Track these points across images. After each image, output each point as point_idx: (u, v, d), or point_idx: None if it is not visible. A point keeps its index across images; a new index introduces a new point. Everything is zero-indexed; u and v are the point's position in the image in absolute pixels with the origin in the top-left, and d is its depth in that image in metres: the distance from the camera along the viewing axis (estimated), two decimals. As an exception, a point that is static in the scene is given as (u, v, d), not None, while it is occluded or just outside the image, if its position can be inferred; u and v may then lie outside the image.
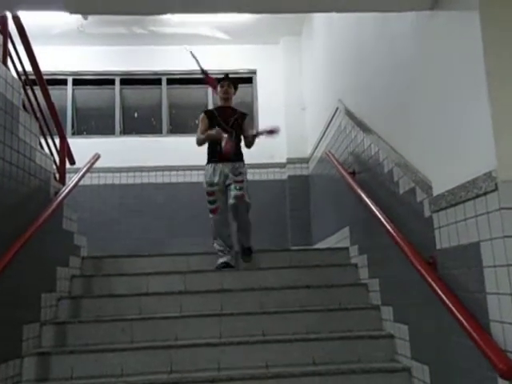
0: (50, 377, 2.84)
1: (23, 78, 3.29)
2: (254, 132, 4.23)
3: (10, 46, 3.12)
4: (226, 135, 3.94)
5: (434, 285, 1.97)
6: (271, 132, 4.09)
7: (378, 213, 2.81)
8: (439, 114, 2.15)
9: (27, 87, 3.42)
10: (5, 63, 2.88)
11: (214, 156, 4.06)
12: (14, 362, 2.73)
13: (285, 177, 6.51)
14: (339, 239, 4.44)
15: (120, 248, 5.60)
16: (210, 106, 6.82)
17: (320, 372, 2.73)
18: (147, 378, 2.72)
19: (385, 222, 2.66)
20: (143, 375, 2.79)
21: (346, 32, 4.22)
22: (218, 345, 2.98)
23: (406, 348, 2.75)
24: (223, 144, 3.91)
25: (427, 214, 2.33)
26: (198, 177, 6.37)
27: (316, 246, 5.50)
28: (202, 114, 4.24)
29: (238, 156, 4.11)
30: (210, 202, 4.05)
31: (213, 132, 3.96)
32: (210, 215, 4.06)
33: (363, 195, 3.12)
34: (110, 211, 6.22)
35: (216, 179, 4.01)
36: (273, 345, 2.99)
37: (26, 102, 3.34)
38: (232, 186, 3.95)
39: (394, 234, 2.46)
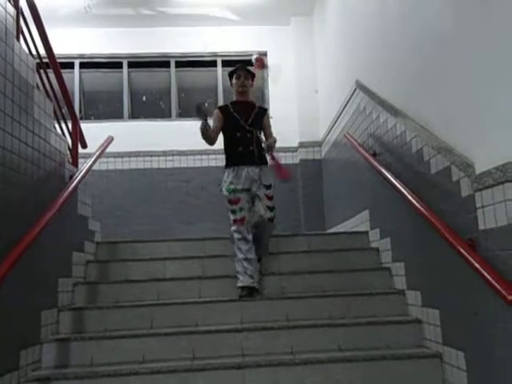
0: (70, 363, 2.78)
1: (36, 59, 3.17)
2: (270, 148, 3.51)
3: (22, 24, 3.00)
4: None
5: (479, 266, 1.88)
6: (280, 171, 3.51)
7: (407, 193, 2.71)
8: (483, 87, 2.03)
9: (40, 69, 3.29)
10: (18, 38, 2.76)
11: (236, 158, 3.46)
12: (33, 349, 2.66)
13: (297, 161, 6.40)
14: (357, 223, 4.35)
15: (129, 234, 5.54)
16: (220, 89, 6.71)
17: (349, 358, 2.65)
18: (170, 365, 2.65)
19: (416, 203, 2.56)
20: (165, 362, 2.71)
21: (364, 11, 4.07)
22: (240, 330, 2.90)
23: (436, 333, 2.67)
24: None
25: (465, 193, 2.23)
26: (209, 161, 6.30)
27: (331, 231, 5.40)
28: (216, 111, 3.61)
29: (263, 158, 3.53)
30: (234, 212, 3.39)
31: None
32: (233, 227, 3.40)
33: (389, 176, 3.02)
34: (118, 196, 6.14)
35: (240, 185, 3.39)
36: (297, 330, 2.92)
37: (39, 84, 3.22)
38: (262, 203, 3.41)
39: (429, 216, 2.35)
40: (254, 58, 3.83)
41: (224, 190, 3.44)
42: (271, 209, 3.44)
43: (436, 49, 2.60)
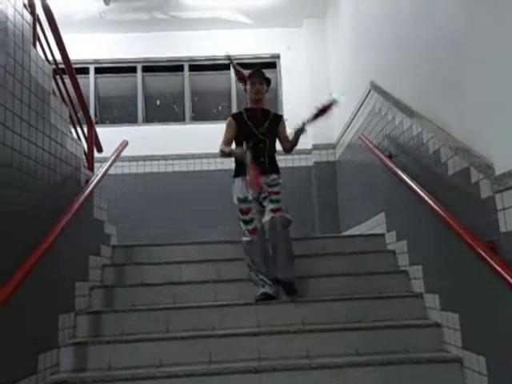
0: (88, 367, 2.79)
1: (52, 65, 3.21)
2: (303, 122, 3.34)
3: (38, 30, 3.03)
4: (251, 164, 3.13)
5: (501, 269, 1.84)
6: (325, 109, 3.32)
7: (425, 195, 2.67)
8: (498, 88, 1.99)
9: (56, 74, 3.33)
10: (34, 45, 2.79)
11: (245, 168, 3.26)
12: (51, 353, 2.67)
13: (311, 163, 6.38)
14: (372, 226, 4.30)
15: (144, 237, 5.56)
16: (234, 92, 6.71)
17: (366, 362, 2.62)
18: (187, 369, 2.64)
19: (434, 205, 2.53)
20: (182, 366, 2.71)
21: (377, 14, 4.04)
22: (257, 334, 2.89)
23: (455, 337, 2.62)
24: (247, 175, 3.15)
25: (485, 195, 2.19)
26: (223, 164, 6.29)
27: (346, 234, 5.37)
28: (229, 118, 3.52)
29: (274, 168, 3.44)
30: (246, 222, 3.32)
31: (237, 152, 3.28)
32: (244, 238, 3.33)
33: (406, 177, 2.98)
34: (133, 200, 6.18)
35: (250, 194, 3.31)
36: (313, 334, 2.89)
37: (55, 89, 3.25)
38: (267, 199, 3.32)
39: (448, 218, 2.32)
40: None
41: (235, 199, 3.38)
42: (279, 201, 3.29)
43: (449, 50, 2.57)
